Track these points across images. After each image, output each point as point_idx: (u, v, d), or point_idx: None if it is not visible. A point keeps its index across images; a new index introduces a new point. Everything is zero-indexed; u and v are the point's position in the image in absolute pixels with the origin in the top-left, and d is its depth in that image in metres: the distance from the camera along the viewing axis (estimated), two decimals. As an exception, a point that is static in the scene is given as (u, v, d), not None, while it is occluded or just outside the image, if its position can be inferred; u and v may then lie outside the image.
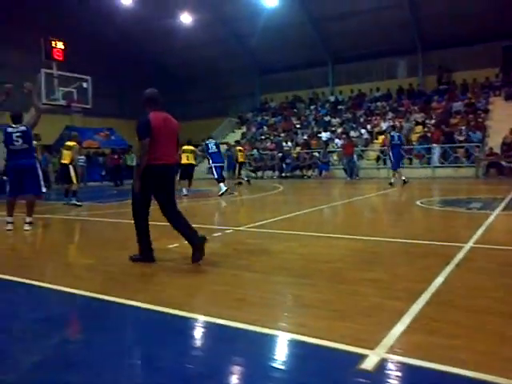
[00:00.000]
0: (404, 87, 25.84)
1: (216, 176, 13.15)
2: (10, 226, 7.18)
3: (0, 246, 6.34)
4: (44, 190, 7.64)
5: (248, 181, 18.01)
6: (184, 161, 13.06)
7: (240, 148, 18.41)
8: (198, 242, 4.34)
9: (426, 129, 21.59)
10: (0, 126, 8.64)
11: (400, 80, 26.55)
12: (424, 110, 23.18)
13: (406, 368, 2.24)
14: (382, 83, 26.90)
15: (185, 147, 13.21)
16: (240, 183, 17.59)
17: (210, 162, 13.56)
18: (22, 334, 2.88)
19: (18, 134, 7.06)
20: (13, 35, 23.95)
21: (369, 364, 2.24)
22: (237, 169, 18.17)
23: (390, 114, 23.89)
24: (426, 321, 2.79)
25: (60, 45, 17.83)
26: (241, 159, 17.96)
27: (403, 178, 14.60)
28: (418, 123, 22.49)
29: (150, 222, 4.60)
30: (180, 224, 4.53)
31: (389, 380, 2.12)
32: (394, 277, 3.85)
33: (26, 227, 7.16)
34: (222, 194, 12.65)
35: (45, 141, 15.38)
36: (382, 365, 2.24)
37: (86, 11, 26.70)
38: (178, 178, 12.73)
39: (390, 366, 2.25)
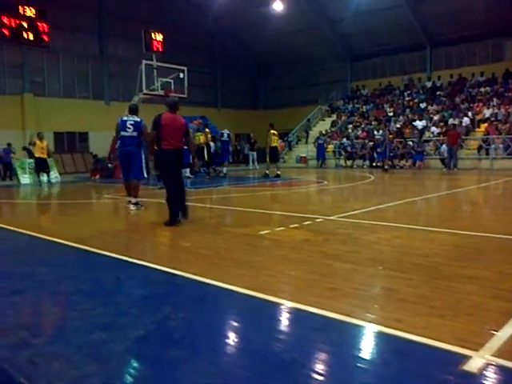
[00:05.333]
0: (512, 70, 23.68)
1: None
2: (132, 207, 8.12)
3: (105, 224, 6.89)
4: (145, 175, 8.33)
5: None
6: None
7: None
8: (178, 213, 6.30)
9: (536, 116, 19.69)
10: None
11: (507, 63, 24.34)
12: (535, 96, 21.12)
13: (514, 374, 2.09)
14: (486, 66, 24.86)
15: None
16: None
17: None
18: (127, 308, 3.10)
19: (131, 122, 8.10)
20: (118, 28, 25.63)
21: (473, 366, 2.11)
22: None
23: (495, 100, 22.05)
24: (539, 325, 2.57)
25: (159, 37, 18.56)
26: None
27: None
28: (527, 110, 20.57)
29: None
30: (174, 194, 6.25)
31: (495, 385, 1.99)
32: (499, 275, 3.58)
33: (132, 207, 8.08)
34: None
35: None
36: (487, 368, 2.10)
37: (184, 3, 27.76)
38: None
39: (497, 370, 2.10)
